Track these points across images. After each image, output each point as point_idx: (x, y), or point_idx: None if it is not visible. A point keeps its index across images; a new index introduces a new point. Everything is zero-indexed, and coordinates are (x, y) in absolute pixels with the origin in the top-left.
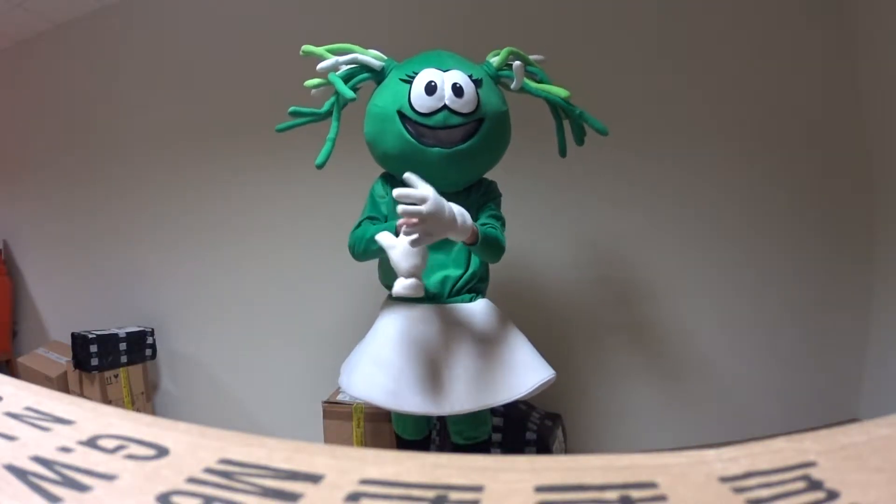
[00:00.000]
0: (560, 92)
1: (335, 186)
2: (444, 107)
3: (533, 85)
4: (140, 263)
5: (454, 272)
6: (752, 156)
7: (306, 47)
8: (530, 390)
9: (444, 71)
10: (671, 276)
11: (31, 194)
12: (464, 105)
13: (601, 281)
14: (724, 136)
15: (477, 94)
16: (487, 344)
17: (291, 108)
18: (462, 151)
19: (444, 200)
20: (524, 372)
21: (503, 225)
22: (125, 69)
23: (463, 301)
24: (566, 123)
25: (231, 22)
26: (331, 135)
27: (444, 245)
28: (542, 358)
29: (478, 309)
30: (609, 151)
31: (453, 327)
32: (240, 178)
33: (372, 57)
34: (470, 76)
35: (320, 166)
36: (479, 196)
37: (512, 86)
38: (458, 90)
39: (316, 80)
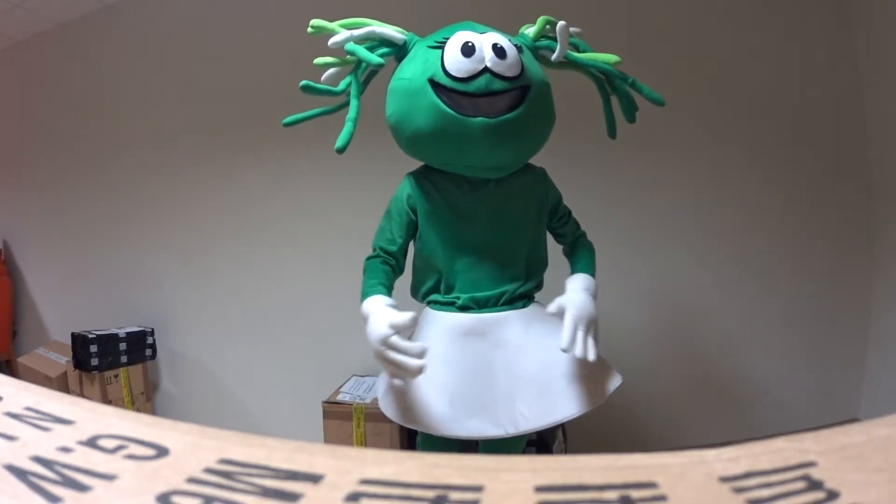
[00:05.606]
0: (609, 58)
1: (335, 186)
2: (486, 69)
3: (577, 55)
4: (140, 263)
5: (510, 287)
6: (752, 157)
7: (315, 22)
8: (601, 401)
9: (480, 33)
10: (671, 276)
11: (31, 194)
12: (508, 67)
13: (600, 281)
14: (724, 137)
15: (520, 57)
16: (546, 352)
17: (303, 83)
18: (509, 122)
19: (579, 300)
20: (591, 380)
21: (584, 233)
22: (125, 69)
23: (515, 308)
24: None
25: (231, 21)
26: (351, 114)
27: (500, 260)
28: (606, 360)
29: (532, 314)
30: (608, 152)
31: (508, 338)
32: (240, 177)
33: (392, 30)
34: (510, 40)
35: (341, 150)
36: (540, 193)
37: (553, 56)
38: (499, 51)
39: (326, 59)
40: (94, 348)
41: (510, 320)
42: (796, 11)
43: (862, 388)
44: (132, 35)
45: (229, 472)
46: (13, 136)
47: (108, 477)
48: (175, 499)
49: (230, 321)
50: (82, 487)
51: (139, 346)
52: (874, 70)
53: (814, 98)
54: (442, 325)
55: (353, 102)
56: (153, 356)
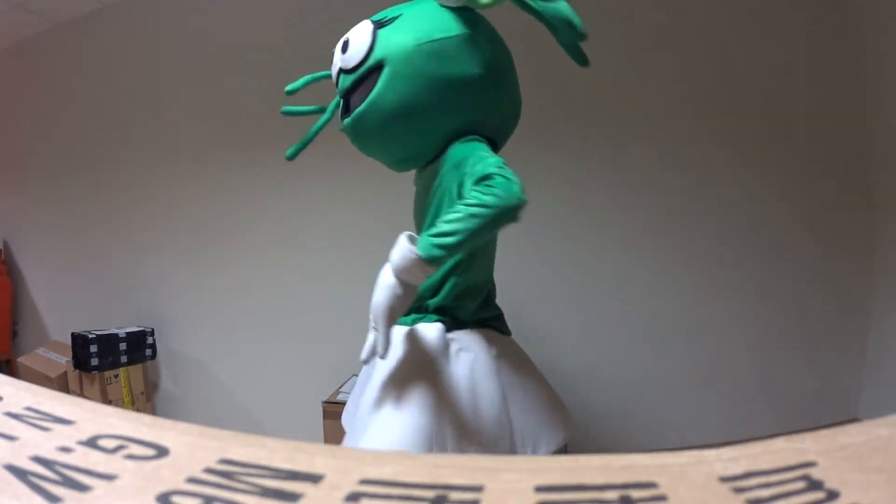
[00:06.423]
0: None
1: (336, 187)
2: (340, 71)
3: None
4: (140, 263)
5: None
6: (751, 156)
7: (288, 88)
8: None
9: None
10: (670, 276)
11: (31, 194)
12: (350, 58)
13: (599, 280)
14: (723, 137)
15: (373, 36)
16: (378, 379)
17: (284, 109)
18: (360, 115)
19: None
20: (380, 422)
21: (488, 175)
22: (125, 70)
23: (403, 324)
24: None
25: (232, 23)
26: (314, 126)
27: None
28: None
29: (406, 335)
30: (604, 151)
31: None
32: (240, 177)
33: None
34: (380, 20)
35: (290, 158)
36: (450, 174)
37: None
38: (344, 45)
39: (293, 108)
40: (94, 348)
41: (393, 334)
42: (797, 11)
43: (862, 388)
44: (132, 35)
45: (229, 472)
46: (13, 137)
47: (108, 477)
48: (175, 499)
49: (230, 321)
50: (82, 487)
51: (139, 346)
52: (875, 70)
53: (814, 98)
54: None
55: (324, 117)
56: (153, 356)
